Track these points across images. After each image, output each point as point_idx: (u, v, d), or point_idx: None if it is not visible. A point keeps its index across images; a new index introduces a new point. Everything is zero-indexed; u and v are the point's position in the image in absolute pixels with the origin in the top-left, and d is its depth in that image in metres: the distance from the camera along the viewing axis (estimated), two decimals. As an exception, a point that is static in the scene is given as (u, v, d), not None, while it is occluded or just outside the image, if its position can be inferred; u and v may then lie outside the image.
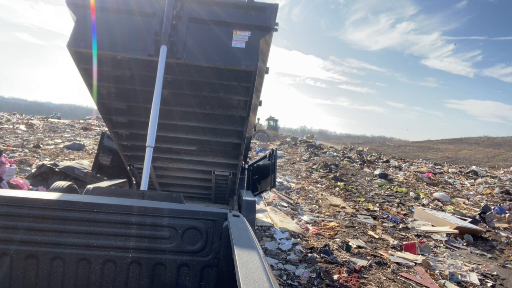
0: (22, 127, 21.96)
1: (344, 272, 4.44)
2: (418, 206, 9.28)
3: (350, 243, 5.62)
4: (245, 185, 5.76)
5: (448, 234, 6.82)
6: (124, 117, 3.87)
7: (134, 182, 5.32)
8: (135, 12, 3.01)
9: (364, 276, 4.47)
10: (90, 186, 2.99)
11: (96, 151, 5.26)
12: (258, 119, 37.46)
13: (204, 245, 1.75)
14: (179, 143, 4.23)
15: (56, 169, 7.24)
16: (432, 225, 7.46)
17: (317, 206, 8.60)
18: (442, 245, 6.33)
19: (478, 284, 4.66)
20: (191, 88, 3.43)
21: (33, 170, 7.76)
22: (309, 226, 6.64)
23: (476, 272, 5.03)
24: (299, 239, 5.72)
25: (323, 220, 7.24)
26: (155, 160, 4.49)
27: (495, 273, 5.06)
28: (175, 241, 1.73)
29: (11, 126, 21.04)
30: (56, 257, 1.67)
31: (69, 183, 4.55)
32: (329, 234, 6.19)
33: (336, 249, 5.38)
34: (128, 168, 4.79)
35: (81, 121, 31.36)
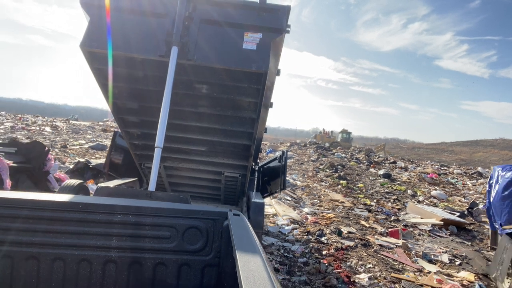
0: (48, 128, 23.51)
1: (332, 249, 5.37)
2: (413, 202, 10.09)
3: (342, 229, 6.54)
4: (254, 186, 5.76)
5: (433, 225, 7.65)
6: (136, 117, 3.95)
7: (145, 181, 5.34)
8: (147, 13, 3.07)
9: (349, 252, 5.40)
10: (100, 185, 3.08)
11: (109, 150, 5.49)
12: (332, 131, 39.46)
13: (204, 245, 1.76)
14: (189, 143, 4.29)
15: (90, 166, 8.41)
16: (421, 218, 8.29)
17: (318, 201, 9.53)
18: (425, 233, 7.17)
19: (447, 262, 5.52)
20: (201, 89, 3.52)
21: (71, 167, 8.94)
22: (309, 216, 7.58)
23: (448, 254, 5.88)
24: (298, 225, 6.67)
25: (322, 212, 8.17)
26: (165, 160, 4.55)
27: (464, 254, 5.90)
28: (175, 241, 1.74)
29: (37, 128, 22.54)
30: (57, 258, 1.68)
31: (79, 181, 4.66)
32: (325, 223, 7.11)
33: (329, 233, 6.31)
34: (139, 167, 4.84)
35: (100, 123, 32.99)
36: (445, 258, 5.67)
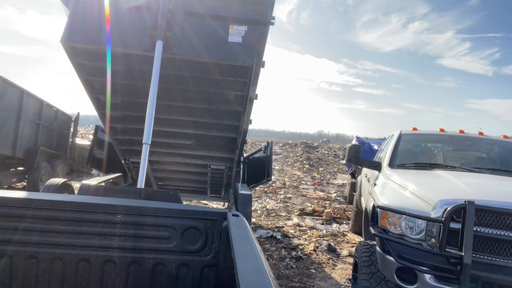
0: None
1: (275, 187, 11.23)
2: (342, 173, 15.91)
3: (286, 182, 12.39)
4: (240, 178, 5.80)
5: (343, 183, 13.43)
6: (119, 112, 3.89)
7: (129, 176, 5.38)
8: (130, 6, 3.02)
9: (282, 189, 11.22)
10: (86, 183, 3.06)
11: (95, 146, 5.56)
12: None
13: (203, 245, 1.77)
14: (175, 137, 4.25)
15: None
16: (341, 180, 14.06)
17: (283, 174, 15.39)
18: (336, 186, 12.97)
19: (333, 193, 11.30)
20: (187, 83, 3.50)
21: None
22: (273, 179, 13.42)
23: (336, 191, 11.69)
24: (263, 182, 12.52)
25: (282, 178, 14.02)
26: (150, 154, 4.29)
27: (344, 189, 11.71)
28: (174, 241, 1.75)
29: (91, 136, 28.63)
30: (56, 258, 1.68)
31: (64, 180, 4.57)
32: (280, 181, 12.96)
33: (278, 184, 12.15)
34: (123, 162, 4.82)
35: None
36: (332, 191, 11.48)
